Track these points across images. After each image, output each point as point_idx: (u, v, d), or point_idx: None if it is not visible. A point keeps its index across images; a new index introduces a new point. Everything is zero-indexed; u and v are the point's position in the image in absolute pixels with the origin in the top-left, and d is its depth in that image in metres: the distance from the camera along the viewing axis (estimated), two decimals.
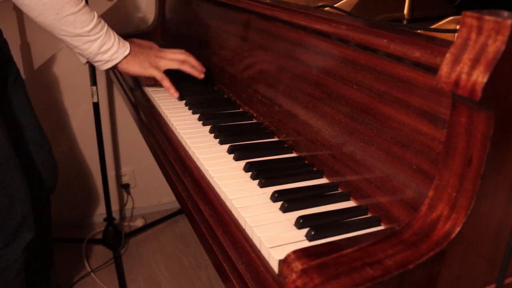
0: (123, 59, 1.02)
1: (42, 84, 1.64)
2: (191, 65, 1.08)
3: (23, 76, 1.58)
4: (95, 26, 0.96)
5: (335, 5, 0.95)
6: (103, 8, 1.63)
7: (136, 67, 1.04)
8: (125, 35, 1.50)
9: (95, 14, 0.97)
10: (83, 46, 0.97)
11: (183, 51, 1.10)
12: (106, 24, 1.00)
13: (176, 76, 1.10)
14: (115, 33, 1.02)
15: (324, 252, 0.47)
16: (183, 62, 1.08)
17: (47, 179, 1.28)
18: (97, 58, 1.00)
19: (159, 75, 1.06)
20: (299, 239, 0.57)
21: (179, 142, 0.88)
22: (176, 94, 1.06)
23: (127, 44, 1.04)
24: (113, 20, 1.63)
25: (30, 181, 1.19)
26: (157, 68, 1.06)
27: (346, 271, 0.44)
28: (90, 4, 1.38)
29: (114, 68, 1.03)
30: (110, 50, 1.00)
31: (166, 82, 1.06)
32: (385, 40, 0.60)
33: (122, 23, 1.67)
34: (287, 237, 0.57)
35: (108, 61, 1.01)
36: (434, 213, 0.49)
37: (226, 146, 0.82)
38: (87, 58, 1.01)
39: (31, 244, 1.11)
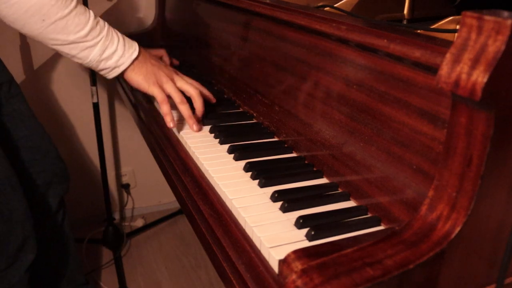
0: (130, 64, 0.89)
1: (42, 84, 1.64)
2: (189, 109, 0.89)
3: (23, 77, 1.59)
4: (91, 29, 0.83)
5: (335, 5, 0.95)
6: (103, 8, 1.63)
7: (140, 78, 0.90)
8: (125, 35, 1.50)
9: (91, 14, 0.84)
10: (81, 54, 0.84)
11: (198, 84, 0.94)
12: (106, 24, 0.86)
13: None
14: (119, 33, 0.88)
15: (324, 252, 0.47)
16: (183, 101, 0.90)
17: (58, 183, 1.25)
18: (101, 66, 0.87)
19: (160, 97, 0.89)
20: (299, 239, 0.57)
21: (179, 142, 0.88)
22: (172, 124, 0.88)
23: (135, 45, 0.90)
24: (113, 20, 1.64)
25: (37, 194, 1.18)
26: (161, 87, 0.90)
27: (346, 271, 0.44)
28: (90, 4, 1.39)
29: (122, 75, 0.91)
30: (115, 54, 0.86)
31: (165, 108, 0.89)
32: (385, 40, 0.60)
33: (122, 23, 1.67)
34: (287, 237, 0.57)
35: (114, 68, 0.88)
36: (434, 213, 0.49)
37: (226, 146, 0.82)
38: (90, 68, 0.89)
39: (35, 263, 1.09)
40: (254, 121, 0.95)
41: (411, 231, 0.49)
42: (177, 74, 0.94)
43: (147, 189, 1.96)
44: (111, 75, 0.90)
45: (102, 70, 0.89)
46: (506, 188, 0.49)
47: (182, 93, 0.91)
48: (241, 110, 1.00)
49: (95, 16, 0.85)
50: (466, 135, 0.46)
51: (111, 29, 0.87)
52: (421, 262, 0.46)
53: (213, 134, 0.88)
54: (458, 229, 0.47)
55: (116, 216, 1.93)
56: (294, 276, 0.44)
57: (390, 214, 0.59)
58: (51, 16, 0.79)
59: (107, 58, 0.86)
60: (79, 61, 0.87)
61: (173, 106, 0.92)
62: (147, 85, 0.90)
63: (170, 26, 1.52)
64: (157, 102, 0.92)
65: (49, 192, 1.23)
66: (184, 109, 0.89)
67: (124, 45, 0.88)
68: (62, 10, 0.80)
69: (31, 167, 1.17)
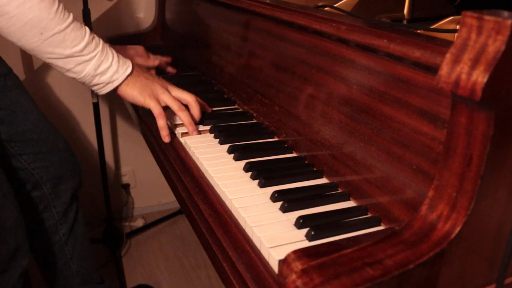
0: (124, 79, 0.89)
1: (42, 84, 1.64)
2: (189, 116, 0.90)
3: (23, 76, 1.59)
4: (87, 43, 0.84)
5: (335, 5, 0.95)
6: (103, 8, 1.63)
7: (135, 92, 0.90)
8: (125, 35, 1.50)
9: (87, 29, 0.86)
10: (77, 68, 0.85)
11: (191, 94, 0.94)
12: (101, 40, 0.88)
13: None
14: (113, 50, 0.89)
15: (324, 252, 0.47)
16: (182, 108, 0.90)
17: (70, 178, 1.20)
18: (95, 81, 0.87)
19: (157, 110, 0.89)
20: (299, 239, 0.57)
21: (179, 142, 0.88)
22: (168, 138, 0.89)
23: (129, 62, 0.90)
24: (113, 20, 1.64)
25: (43, 190, 1.16)
26: (157, 100, 0.91)
27: (346, 271, 0.44)
28: (90, 4, 1.39)
29: (115, 91, 0.91)
30: (109, 70, 0.87)
31: (161, 121, 0.89)
32: (385, 40, 0.60)
33: (122, 23, 1.67)
34: (287, 237, 0.57)
35: (108, 83, 0.88)
36: (434, 213, 0.49)
37: (226, 146, 0.82)
38: (83, 83, 0.88)
39: (47, 262, 1.08)
40: (254, 121, 0.95)
41: (411, 231, 0.49)
42: (171, 85, 0.95)
43: (147, 189, 1.96)
44: (104, 90, 0.90)
45: (96, 85, 0.89)
46: (506, 188, 0.49)
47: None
48: (241, 110, 1.00)
49: (91, 32, 0.86)
50: (466, 135, 0.46)
51: (106, 45, 0.88)
52: (421, 262, 0.46)
53: (213, 134, 0.88)
54: (458, 229, 0.47)
55: (116, 216, 1.93)
56: (294, 276, 0.44)
57: (390, 214, 0.59)
58: (49, 30, 0.80)
59: (101, 73, 0.87)
60: (74, 75, 0.87)
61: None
62: (142, 98, 0.90)
63: (170, 26, 1.52)
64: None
65: (60, 187, 1.18)
66: (184, 116, 0.89)
67: (119, 61, 0.89)
68: (60, 24, 0.80)
69: (36, 161, 1.13)
